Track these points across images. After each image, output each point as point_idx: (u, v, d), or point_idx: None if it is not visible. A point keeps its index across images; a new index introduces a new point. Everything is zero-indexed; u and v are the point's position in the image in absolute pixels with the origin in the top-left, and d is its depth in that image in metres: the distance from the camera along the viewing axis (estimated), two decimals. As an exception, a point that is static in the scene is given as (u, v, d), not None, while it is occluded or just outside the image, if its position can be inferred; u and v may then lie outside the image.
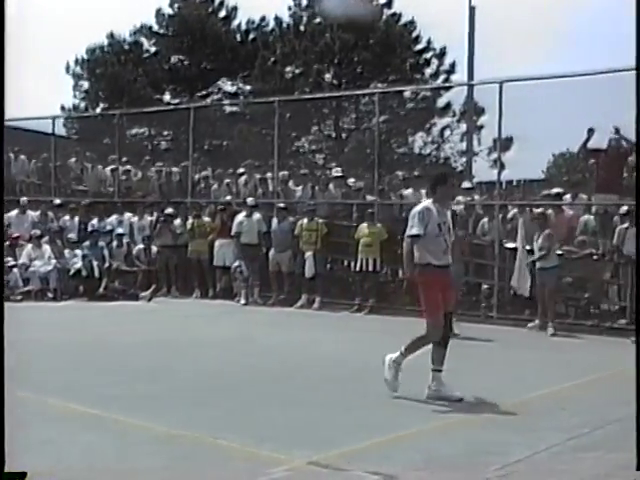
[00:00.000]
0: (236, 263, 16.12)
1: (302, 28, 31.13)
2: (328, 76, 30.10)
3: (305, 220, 15.83)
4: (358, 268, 15.14)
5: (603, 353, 11.05)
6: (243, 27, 33.98)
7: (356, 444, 5.94)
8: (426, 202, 7.91)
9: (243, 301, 16.12)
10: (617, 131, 13.67)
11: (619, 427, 6.73)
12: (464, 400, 7.50)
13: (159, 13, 34.08)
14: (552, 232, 12.90)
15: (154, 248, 17.55)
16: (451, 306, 8.08)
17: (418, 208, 7.78)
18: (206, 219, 17.53)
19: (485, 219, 14.75)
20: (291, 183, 17.75)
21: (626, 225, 13.10)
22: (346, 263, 16.60)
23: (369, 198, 16.13)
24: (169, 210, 17.73)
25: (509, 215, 14.59)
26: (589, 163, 15.05)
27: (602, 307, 13.98)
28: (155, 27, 34.42)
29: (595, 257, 13.63)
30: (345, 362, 9.65)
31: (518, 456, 5.74)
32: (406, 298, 15.15)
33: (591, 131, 13.86)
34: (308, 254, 15.57)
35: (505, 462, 5.58)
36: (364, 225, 15.20)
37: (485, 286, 14.17)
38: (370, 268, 14.97)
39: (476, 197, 15.99)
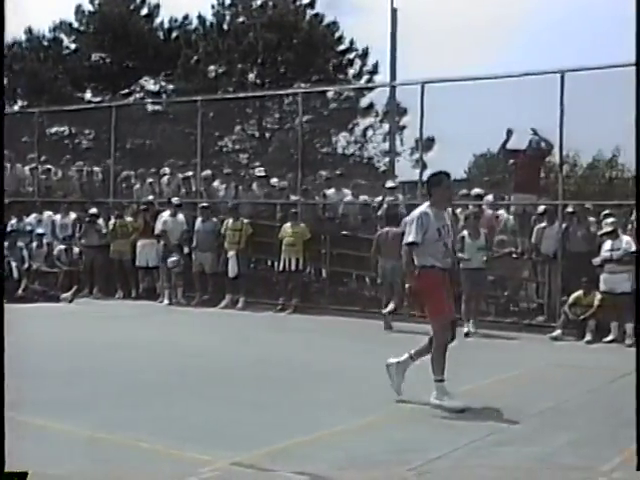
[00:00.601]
0: (173, 258, 15.95)
1: (225, 27, 31.00)
2: (252, 76, 30.05)
3: (230, 220, 15.79)
4: (282, 268, 15.17)
5: (522, 350, 11.28)
6: (166, 25, 33.67)
7: (280, 443, 5.97)
8: (423, 206, 7.61)
9: (166, 302, 16.00)
10: (535, 132, 13.97)
11: (536, 422, 6.91)
12: (465, 410, 7.25)
13: (79, 10, 33.55)
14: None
15: (76, 248, 17.28)
16: (452, 311, 7.89)
17: (416, 213, 7.53)
18: (128, 219, 17.34)
19: (407, 218, 14.87)
20: (216, 183, 17.66)
21: (544, 224, 13.40)
22: (270, 263, 16.61)
23: (293, 198, 16.17)
24: (93, 210, 17.48)
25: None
26: (508, 163, 15.34)
27: (521, 305, 14.28)
28: (75, 24, 33.86)
29: (514, 256, 13.90)
30: (268, 362, 9.67)
31: (439, 452, 5.84)
32: (331, 297, 15.30)
33: (510, 132, 14.15)
34: (231, 254, 15.53)
35: (426, 458, 5.68)
36: (287, 225, 15.22)
37: (407, 285, 14.28)
38: (293, 268, 15.01)
39: (400, 196, 16.15)
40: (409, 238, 7.46)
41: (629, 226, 12.81)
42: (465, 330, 12.06)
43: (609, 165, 23.74)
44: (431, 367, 7.49)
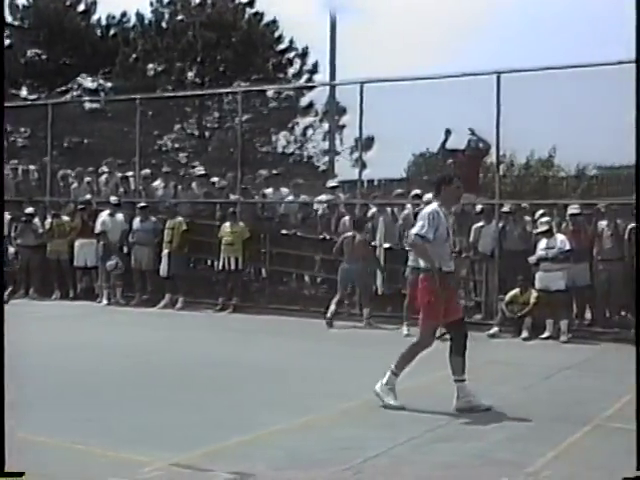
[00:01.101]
0: (112, 262, 15.78)
1: (164, 25, 30.72)
2: (191, 74, 29.83)
3: (168, 219, 15.70)
4: (221, 267, 15.12)
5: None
6: (103, 22, 33.25)
7: (219, 443, 5.96)
8: (434, 205, 7.42)
9: (105, 302, 15.83)
10: (472, 132, 14.13)
11: (474, 418, 7.01)
12: (491, 409, 7.27)
13: (12, 4, 32.93)
14: None
15: (11, 248, 16.98)
16: (461, 310, 7.84)
17: (429, 210, 7.34)
18: (65, 218, 17.10)
19: (346, 217, 14.97)
20: (156, 182, 17.51)
21: (481, 223, 13.56)
22: (209, 262, 16.53)
23: (232, 197, 16.11)
24: (30, 209, 17.19)
25: (369, 214, 14.84)
26: (447, 163, 15.48)
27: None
28: (9, 18, 33.22)
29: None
30: (208, 362, 9.63)
31: (378, 450, 5.89)
32: (270, 297, 15.28)
33: (448, 132, 14.29)
34: (164, 252, 15.45)
35: (365, 456, 5.72)
36: (226, 224, 15.16)
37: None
38: (233, 267, 14.96)
39: (340, 195, 16.22)
40: (421, 231, 7.22)
41: (563, 225, 13.05)
42: (405, 332, 12.01)
43: (544, 165, 24.14)
44: (397, 359, 7.49)
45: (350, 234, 13.74)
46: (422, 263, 7.45)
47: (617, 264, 12.36)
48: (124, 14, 32.52)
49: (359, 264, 13.52)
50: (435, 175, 19.48)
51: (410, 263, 7.23)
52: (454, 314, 7.48)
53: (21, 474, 3.77)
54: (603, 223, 12.74)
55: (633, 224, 12.37)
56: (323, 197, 16.00)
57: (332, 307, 13.35)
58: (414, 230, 7.32)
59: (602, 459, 5.86)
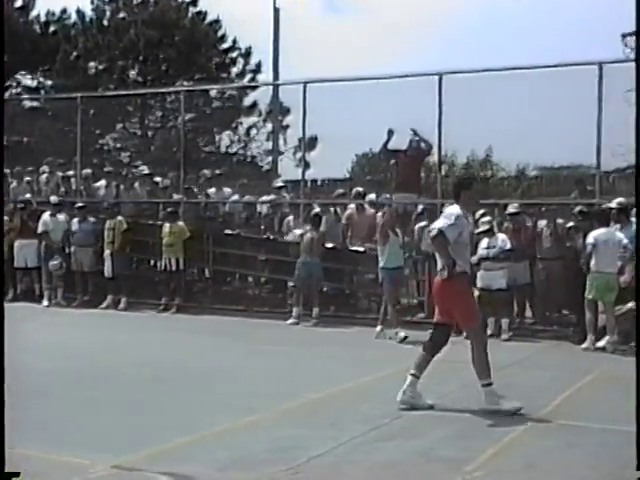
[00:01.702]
0: (55, 262, 15.56)
1: (106, 23, 30.39)
2: (133, 73, 29.58)
3: (108, 220, 15.54)
4: (163, 267, 15.03)
5: (402, 346, 11.46)
6: (42, 18, 32.76)
7: (162, 445, 5.93)
8: (456, 208, 7.35)
9: (46, 303, 15.62)
10: (415, 133, 14.22)
11: (416, 416, 7.07)
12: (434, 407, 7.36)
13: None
14: None
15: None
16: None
17: (454, 211, 7.28)
18: (4, 218, 16.79)
19: (290, 217, 14.99)
20: (99, 182, 17.31)
21: (424, 223, 13.65)
22: (152, 263, 16.40)
23: (175, 196, 16.02)
24: (-34, 209, 16.83)
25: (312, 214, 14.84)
26: (390, 163, 15.59)
27: (402, 302, 14.51)
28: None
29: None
30: (151, 363, 9.56)
31: (321, 449, 5.91)
32: (214, 297, 15.22)
33: (391, 132, 14.33)
34: (106, 253, 15.31)
35: (308, 456, 5.74)
36: (166, 224, 15.08)
37: (290, 284, 14.40)
38: (174, 267, 14.88)
39: (285, 195, 16.23)
40: (445, 228, 7.14)
41: (504, 224, 13.21)
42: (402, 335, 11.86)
43: (483, 165, 24.44)
44: (476, 372, 7.37)
45: (307, 230, 13.80)
46: (439, 264, 7.39)
47: (556, 263, 12.55)
48: (64, 11, 32.06)
49: (316, 259, 13.61)
50: (378, 175, 19.76)
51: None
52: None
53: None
54: (543, 223, 12.94)
55: (572, 223, 12.61)
56: (266, 197, 15.98)
57: (296, 309, 13.59)
58: (437, 225, 7.26)
59: (541, 455, 5.95)
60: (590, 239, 11.27)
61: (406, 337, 11.61)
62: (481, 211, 13.36)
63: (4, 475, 3.15)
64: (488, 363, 7.37)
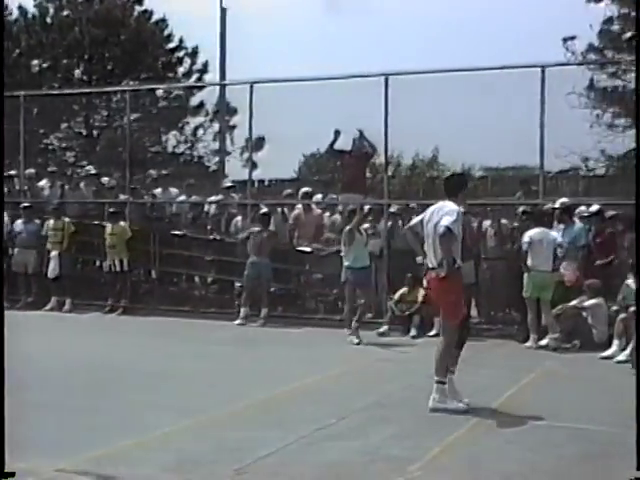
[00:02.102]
0: None
1: (49, 20, 29.96)
2: (78, 72, 29.19)
3: (52, 220, 15.34)
4: (107, 269, 14.89)
5: (349, 346, 11.51)
6: (-17, 15, 32.20)
7: (108, 448, 5.87)
8: (454, 205, 7.48)
9: (-13, 305, 15.34)
10: (361, 134, 14.26)
11: (363, 416, 7.11)
12: (468, 408, 7.29)
13: None
14: None
15: None
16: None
17: (455, 207, 7.41)
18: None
19: (238, 218, 14.95)
20: (43, 182, 17.06)
21: (370, 224, 13.71)
22: (98, 264, 16.21)
23: (121, 197, 15.87)
24: None
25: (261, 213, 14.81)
26: (337, 164, 15.63)
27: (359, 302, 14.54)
28: None
29: (342, 254, 14.14)
30: (96, 365, 9.45)
31: (268, 450, 5.91)
32: (160, 298, 15.12)
33: (337, 133, 14.36)
34: (53, 254, 15.12)
35: (255, 457, 5.74)
36: (108, 225, 14.94)
37: (238, 284, 14.36)
38: (119, 268, 14.75)
39: (233, 196, 16.19)
40: (452, 224, 7.25)
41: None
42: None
43: (429, 165, 24.63)
44: (434, 367, 7.42)
45: (256, 229, 13.77)
46: (434, 261, 7.46)
47: (499, 263, 12.71)
48: (5, 7, 31.55)
49: (266, 259, 13.60)
50: (325, 175, 19.79)
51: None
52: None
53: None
54: (487, 223, 13.09)
55: (516, 223, 12.79)
56: (214, 197, 15.92)
57: (244, 309, 13.53)
58: (445, 222, 7.29)
59: (484, 453, 6.03)
60: (526, 238, 11.48)
61: (359, 343, 11.56)
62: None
63: (3, 475, 3.12)
64: (448, 362, 7.47)
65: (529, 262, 11.42)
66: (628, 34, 21.59)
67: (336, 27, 44.06)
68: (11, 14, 31.29)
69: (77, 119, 27.72)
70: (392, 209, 13.64)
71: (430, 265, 7.53)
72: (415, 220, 7.90)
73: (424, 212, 7.80)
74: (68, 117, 26.33)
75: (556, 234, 11.58)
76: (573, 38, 21.34)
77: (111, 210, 15.15)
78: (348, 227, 12.12)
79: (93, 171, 17.20)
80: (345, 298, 12.42)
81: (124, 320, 14.23)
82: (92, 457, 5.62)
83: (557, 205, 12.21)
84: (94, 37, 28.03)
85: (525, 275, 11.50)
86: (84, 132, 27.92)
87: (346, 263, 12.11)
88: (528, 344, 11.32)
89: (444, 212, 7.43)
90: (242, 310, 13.54)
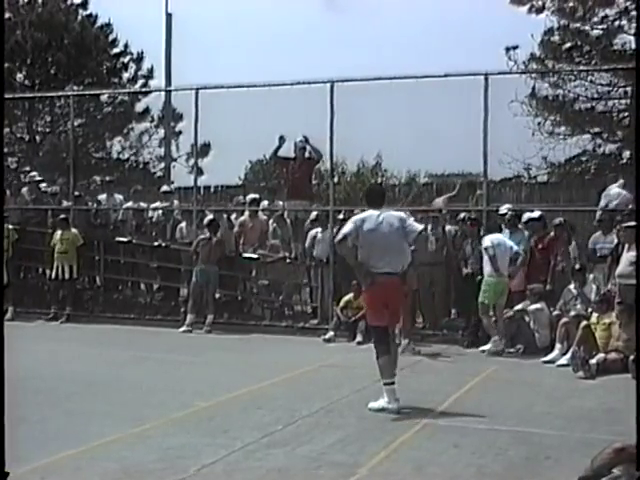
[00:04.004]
0: None
1: (-10, 24, 29.53)
2: (20, 76, 28.77)
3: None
4: (54, 276, 14.67)
5: (296, 352, 11.53)
6: None
7: (49, 458, 5.79)
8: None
9: None
10: (306, 140, 14.26)
11: (309, 422, 7.12)
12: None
13: None
14: None
15: None
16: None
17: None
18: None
19: (183, 224, 14.86)
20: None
21: (316, 230, 13.75)
22: (41, 271, 15.99)
23: (65, 203, 15.67)
24: None
25: (205, 221, 14.74)
26: (283, 170, 15.61)
27: (296, 308, 14.60)
28: None
29: (288, 260, 14.19)
30: (37, 374, 9.28)
31: (213, 457, 5.89)
32: (105, 305, 14.96)
33: (282, 139, 14.34)
34: (-4, 262, 14.85)
35: (200, 464, 5.71)
36: (58, 232, 14.74)
37: (184, 290, 14.28)
38: (67, 276, 14.56)
39: (175, 202, 16.09)
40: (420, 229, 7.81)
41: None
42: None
43: (374, 172, 24.74)
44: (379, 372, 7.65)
45: (206, 236, 13.70)
46: (394, 266, 7.64)
47: (439, 268, 12.76)
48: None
49: (215, 267, 13.53)
50: (272, 182, 19.77)
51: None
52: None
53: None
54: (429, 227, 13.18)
55: (456, 228, 12.97)
56: (158, 204, 15.81)
57: (190, 316, 13.41)
58: (419, 227, 7.82)
59: (429, 457, 6.07)
60: (487, 242, 11.43)
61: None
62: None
63: (3, 475, 3.07)
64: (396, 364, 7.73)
65: (488, 268, 11.39)
66: (568, 44, 22.03)
67: (284, 33, 44.09)
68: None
69: (19, 124, 27.31)
70: (340, 215, 13.64)
71: (390, 270, 7.59)
72: (347, 230, 7.77)
73: (353, 222, 7.83)
74: (10, 122, 25.92)
75: (510, 242, 11.61)
76: (515, 48, 21.65)
77: (61, 217, 14.93)
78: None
79: (38, 177, 16.94)
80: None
81: (67, 328, 14.04)
82: (33, 468, 5.52)
83: (504, 211, 12.38)
84: (37, 41, 27.63)
85: (484, 281, 11.46)
86: (26, 137, 27.52)
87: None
88: (487, 347, 11.30)
89: (400, 217, 7.74)
90: (188, 317, 13.46)
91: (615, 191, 12.65)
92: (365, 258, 7.65)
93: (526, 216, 12.49)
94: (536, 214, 12.37)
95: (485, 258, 11.42)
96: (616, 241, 11.56)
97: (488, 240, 11.48)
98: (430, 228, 12.88)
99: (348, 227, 7.78)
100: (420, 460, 5.97)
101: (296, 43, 44.73)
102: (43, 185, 16.51)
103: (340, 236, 7.84)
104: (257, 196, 15.20)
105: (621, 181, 12.91)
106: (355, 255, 7.74)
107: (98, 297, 15.43)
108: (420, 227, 7.72)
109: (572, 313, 10.88)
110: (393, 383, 7.56)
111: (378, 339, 7.74)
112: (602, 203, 12.69)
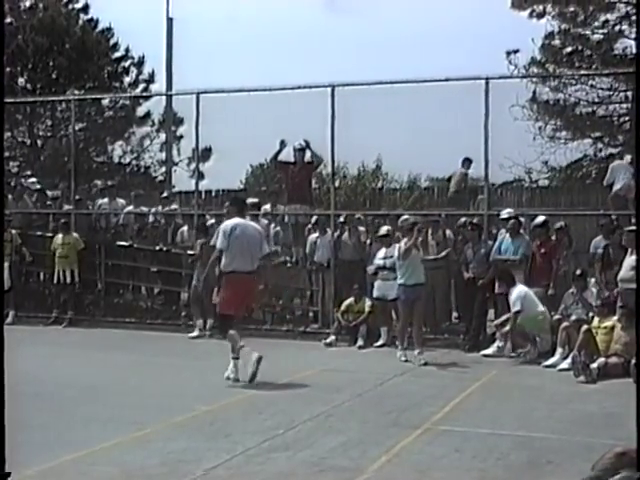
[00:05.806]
0: None
1: (-9, 28, 29.56)
2: (22, 80, 28.81)
3: (-3, 231, 15.09)
4: (56, 280, 14.66)
5: (298, 357, 11.52)
6: None
7: (51, 462, 5.79)
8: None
9: None
10: (307, 144, 14.25)
11: (310, 426, 7.11)
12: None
13: None
14: None
15: None
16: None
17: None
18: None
19: (185, 228, 14.86)
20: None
21: (317, 234, 13.76)
22: (42, 275, 15.99)
23: (66, 207, 15.68)
24: None
25: (208, 224, 14.75)
26: (283, 174, 15.61)
27: (296, 313, 14.58)
28: None
29: (289, 265, 14.19)
30: (38, 378, 9.28)
31: (215, 462, 5.88)
32: (106, 309, 14.96)
33: (283, 143, 14.33)
34: (6, 265, 14.85)
35: (202, 469, 5.70)
36: (59, 236, 14.74)
37: (185, 294, 14.28)
38: (68, 280, 14.56)
39: (174, 206, 16.09)
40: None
41: (397, 234, 13.38)
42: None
43: (374, 175, 24.76)
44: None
45: (203, 240, 13.69)
46: (249, 266, 9.44)
47: (440, 272, 12.74)
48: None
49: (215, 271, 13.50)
50: (273, 186, 19.79)
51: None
52: None
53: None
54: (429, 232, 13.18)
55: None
56: (159, 208, 15.82)
57: (199, 321, 13.40)
58: (269, 248, 10.09)
59: (430, 462, 6.06)
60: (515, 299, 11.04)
61: (426, 363, 10.84)
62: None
63: (3, 475, 3.07)
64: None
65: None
66: (569, 49, 22.06)
67: (284, 41, 44.19)
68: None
69: (20, 128, 27.33)
70: (340, 219, 13.64)
71: (249, 269, 9.33)
72: (220, 239, 9.42)
73: (223, 228, 9.53)
74: (11, 126, 25.94)
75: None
76: (516, 52, 21.69)
77: (63, 221, 14.93)
78: (405, 243, 11.31)
79: (38, 186, 16.89)
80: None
81: (69, 332, 14.04)
82: (35, 472, 5.53)
83: (505, 215, 12.35)
84: (38, 45, 27.67)
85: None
86: (28, 141, 27.54)
87: (400, 280, 11.31)
88: (488, 351, 11.29)
89: (261, 233, 9.83)
90: (197, 322, 13.35)
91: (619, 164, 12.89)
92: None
93: (533, 224, 12.41)
94: (540, 220, 12.22)
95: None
96: (604, 243, 11.56)
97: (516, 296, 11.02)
98: (431, 232, 12.92)
99: (220, 238, 9.45)
100: (421, 464, 5.96)
101: (297, 46, 44.78)
102: (46, 190, 16.51)
103: (218, 247, 9.49)
104: (257, 200, 15.18)
105: (628, 157, 12.97)
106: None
107: (99, 301, 15.42)
108: (270, 249, 9.64)
109: (573, 317, 10.87)
110: (238, 358, 9.12)
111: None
112: (608, 176, 12.88)
